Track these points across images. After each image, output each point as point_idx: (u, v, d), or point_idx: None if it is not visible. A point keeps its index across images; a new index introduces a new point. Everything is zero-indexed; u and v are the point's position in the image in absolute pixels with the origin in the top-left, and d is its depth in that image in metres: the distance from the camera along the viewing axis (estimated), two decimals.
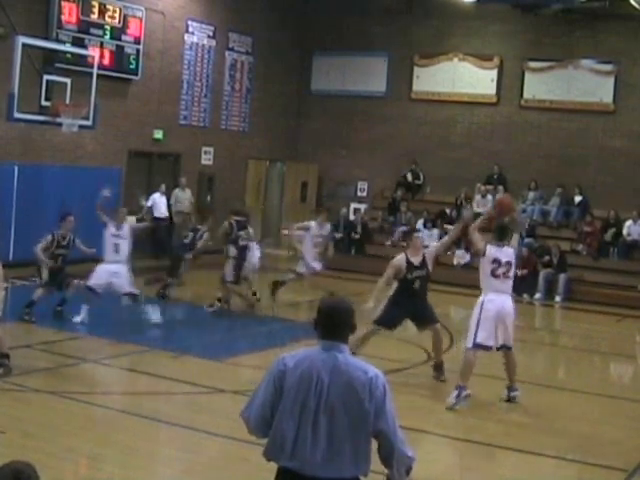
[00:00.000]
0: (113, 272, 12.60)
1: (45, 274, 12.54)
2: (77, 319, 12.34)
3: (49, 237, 12.47)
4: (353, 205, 23.58)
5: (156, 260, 19.09)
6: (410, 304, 10.54)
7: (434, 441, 8.51)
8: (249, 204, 23.40)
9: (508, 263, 9.65)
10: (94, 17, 17.90)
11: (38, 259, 12.38)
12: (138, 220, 19.44)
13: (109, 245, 12.75)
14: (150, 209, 19.60)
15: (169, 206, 19.86)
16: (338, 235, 21.65)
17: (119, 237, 12.81)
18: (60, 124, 16.30)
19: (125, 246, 12.83)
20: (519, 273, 18.66)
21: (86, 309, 12.41)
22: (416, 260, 10.54)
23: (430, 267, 10.65)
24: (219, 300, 14.11)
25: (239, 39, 22.44)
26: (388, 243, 21.32)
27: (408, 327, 12.61)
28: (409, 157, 22.93)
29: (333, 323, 4.11)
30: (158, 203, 19.70)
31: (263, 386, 4.10)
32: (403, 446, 4.06)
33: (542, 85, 21.90)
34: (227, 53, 22.15)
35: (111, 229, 12.80)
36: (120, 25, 18.52)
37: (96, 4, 17.91)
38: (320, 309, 4.18)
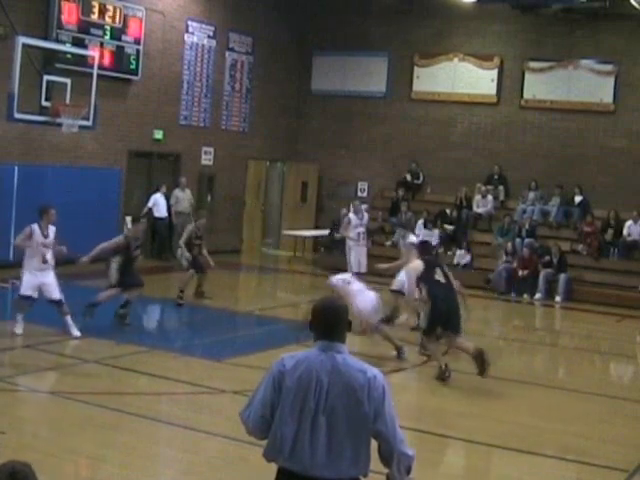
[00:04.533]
0: (41, 279, 11.30)
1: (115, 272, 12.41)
2: (18, 331, 11.29)
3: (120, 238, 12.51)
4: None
5: (158, 260, 19.15)
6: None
7: (434, 441, 8.50)
8: (249, 204, 23.44)
9: None
10: (94, 17, 17.89)
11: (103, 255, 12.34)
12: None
13: (37, 254, 11.26)
14: (150, 209, 19.63)
15: (169, 206, 19.86)
16: (338, 235, 21.67)
17: (46, 246, 11.34)
18: (60, 124, 16.29)
19: (51, 253, 11.39)
20: (520, 273, 18.78)
21: (21, 318, 11.31)
22: None
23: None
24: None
25: (239, 39, 22.44)
26: (388, 243, 21.32)
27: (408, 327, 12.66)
28: (409, 157, 22.92)
29: (329, 323, 4.10)
30: (159, 204, 19.70)
31: (263, 386, 4.10)
32: (403, 446, 4.06)
33: (542, 85, 21.89)
34: (227, 53, 22.15)
35: (38, 237, 11.27)
36: (120, 25, 18.51)
37: (96, 4, 17.90)
38: (315, 310, 4.16)
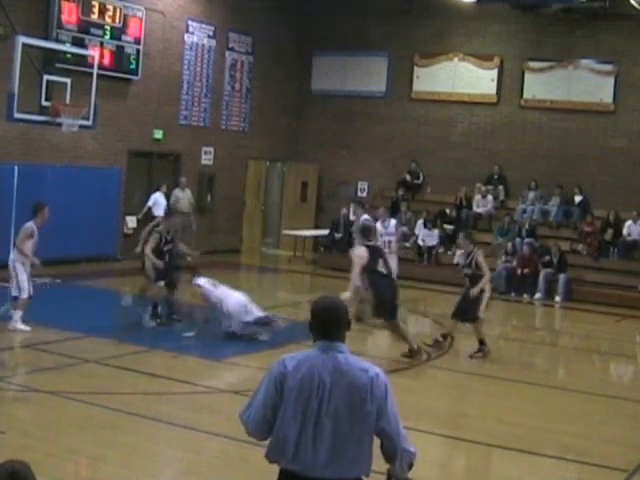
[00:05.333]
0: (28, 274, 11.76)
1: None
2: (27, 328, 11.59)
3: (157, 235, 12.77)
4: (353, 205, 23.55)
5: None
6: None
7: (434, 441, 8.50)
8: (249, 204, 23.44)
9: None
10: (94, 17, 17.89)
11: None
12: (139, 221, 19.50)
13: (32, 249, 11.72)
14: (150, 209, 19.60)
15: (169, 206, 19.82)
16: (338, 235, 21.67)
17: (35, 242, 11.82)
18: (60, 124, 16.29)
19: None
20: (520, 273, 18.77)
21: (19, 315, 11.59)
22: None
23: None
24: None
25: (239, 39, 22.44)
26: None
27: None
28: (409, 157, 22.92)
29: (329, 323, 4.07)
30: (159, 203, 19.67)
31: (263, 387, 4.08)
32: (406, 443, 4.07)
33: (542, 85, 21.89)
34: (227, 53, 22.15)
35: (35, 236, 11.72)
36: (120, 25, 18.51)
37: (96, 4, 17.90)
38: (314, 310, 4.13)
